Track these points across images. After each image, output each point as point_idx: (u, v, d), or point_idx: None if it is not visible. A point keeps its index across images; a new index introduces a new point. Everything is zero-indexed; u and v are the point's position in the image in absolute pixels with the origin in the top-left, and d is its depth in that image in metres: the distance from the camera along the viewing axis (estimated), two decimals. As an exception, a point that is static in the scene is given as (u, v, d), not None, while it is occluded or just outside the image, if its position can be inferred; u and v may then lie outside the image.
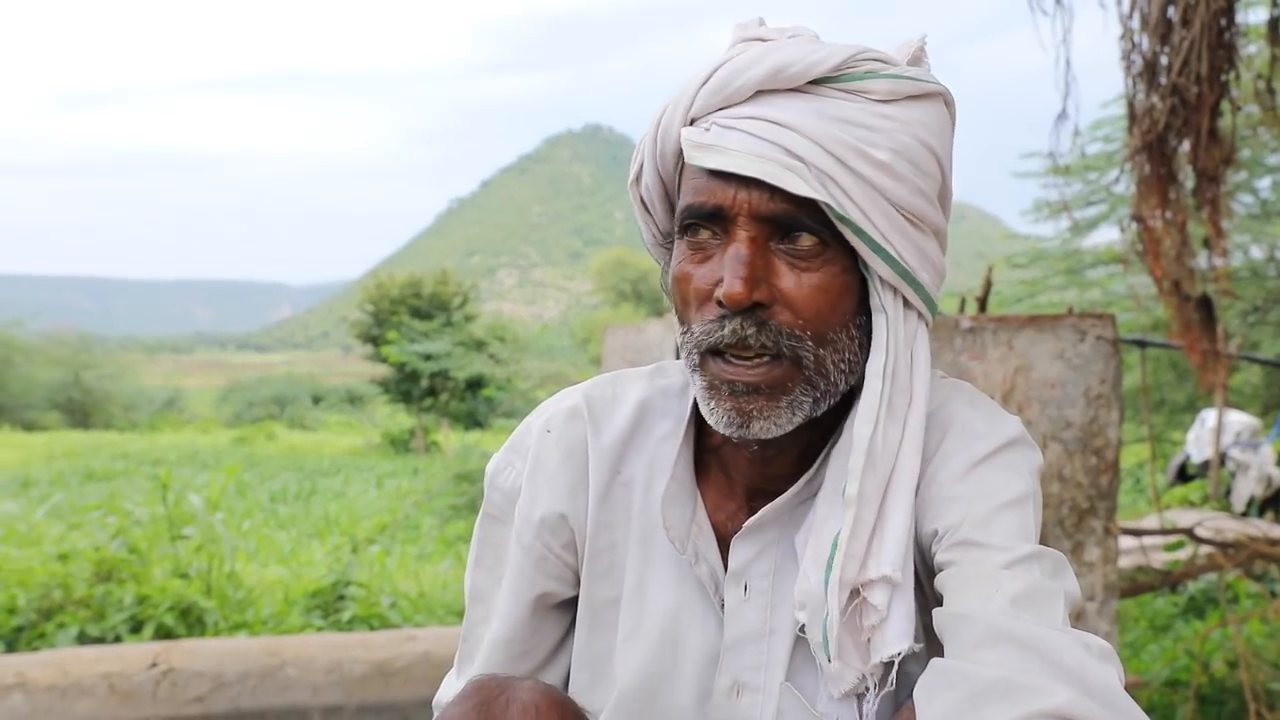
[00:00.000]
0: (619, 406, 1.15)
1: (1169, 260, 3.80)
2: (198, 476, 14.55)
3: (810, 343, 0.98)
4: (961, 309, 3.89)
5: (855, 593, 0.98)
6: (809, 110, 0.97)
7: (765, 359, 0.98)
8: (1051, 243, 12.89)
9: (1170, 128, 3.15)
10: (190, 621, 4.09)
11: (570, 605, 1.17)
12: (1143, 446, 10.66)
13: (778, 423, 1.00)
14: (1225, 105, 3.40)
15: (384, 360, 26.11)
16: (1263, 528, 5.22)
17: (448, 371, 25.68)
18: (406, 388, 26.19)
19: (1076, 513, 3.11)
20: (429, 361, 25.51)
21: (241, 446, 24.41)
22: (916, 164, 0.99)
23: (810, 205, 0.96)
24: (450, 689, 1.18)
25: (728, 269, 0.97)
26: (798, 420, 1.01)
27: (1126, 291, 10.90)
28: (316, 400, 44.78)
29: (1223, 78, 3.28)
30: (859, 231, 0.97)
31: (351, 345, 38.20)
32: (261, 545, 7.77)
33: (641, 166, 1.09)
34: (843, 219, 0.96)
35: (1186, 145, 3.28)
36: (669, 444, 1.12)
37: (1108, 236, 12.55)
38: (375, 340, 27.11)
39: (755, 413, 0.99)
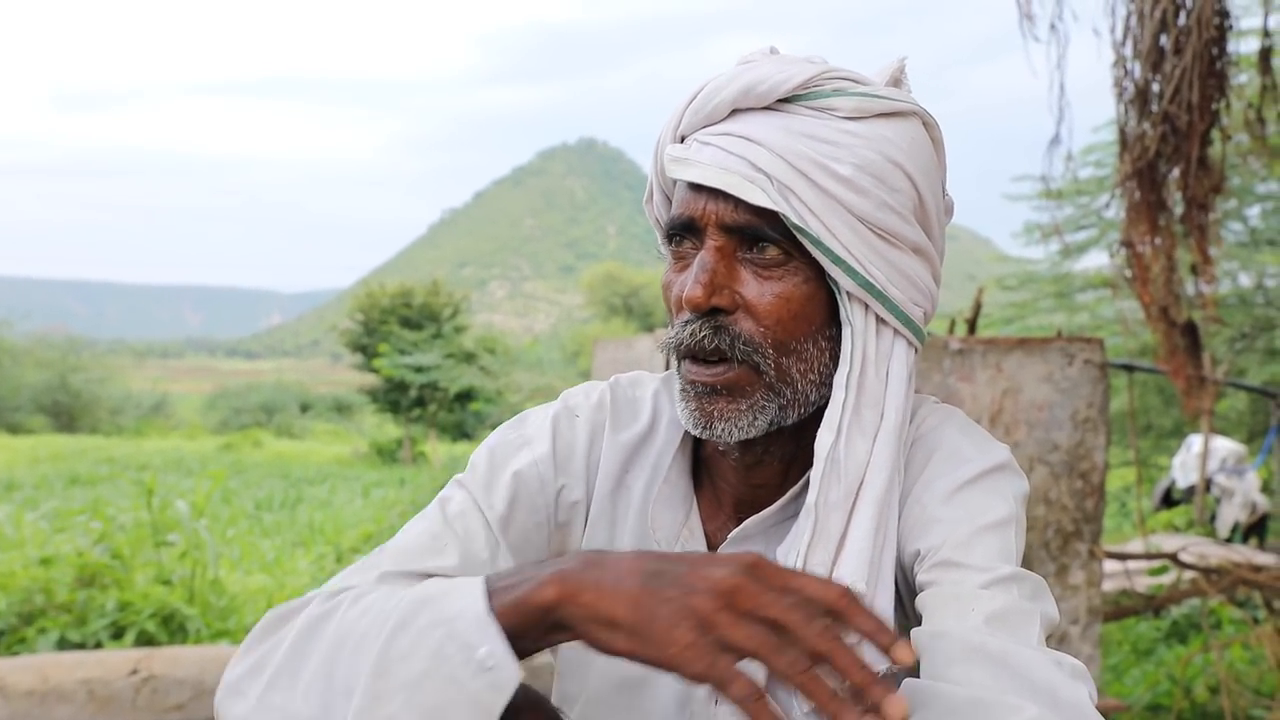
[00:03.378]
0: (640, 408, 1.18)
1: (1157, 286, 3.82)
2: (183, 483, 14.49)
3: (770, 350, 1.01)
4: (951, 330, 3.90)
5: None
6: (776, 126, 1.01)
7: (724, 362, 1.01)
8: (1041, 266, 12.95)
9: (1161, 154, 3.17)
10: (172, 629, 4.07)
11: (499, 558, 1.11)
12: (1129, 470, 10.69)
13: (739, 425, 1.02)
14: (1215, 133, 3.42)
15: (374, 370, 26.06)
16: (1246, 554, 5.23)
17: (437, 383, 25.65)
18: (395, 398, 26.15)
19: (1062, 535, 3.12)
20: (419, 374, 25.48)
21: (228, 453, 24.31)
22: (882, 179, 1.01)
23: (775, 217, 0.99)
24: (351, 577, 1.05)
25: (691, 275, 1.01)
26: (761, 424, 1.02)
27: (1115, 316, 10.95)
28: (304, 408, 44.71)
29: (1213, 106, 3.30)
30: (817, 243, 0.99)
31: (341, 354, 38.17)
32: (246, 553, 7.73)
33: (651, 185, 1.15)
34: (800, 230, 0.99)
35: (1176, 172, 3.30)
36: (669, 449, 1.13)
37: (1097, 261, 12.62)
38: (365, 349, 27.07)
39: (716, 414, 1.02)
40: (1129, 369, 6.63)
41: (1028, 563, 3.30)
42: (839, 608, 0.81)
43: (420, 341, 26.49)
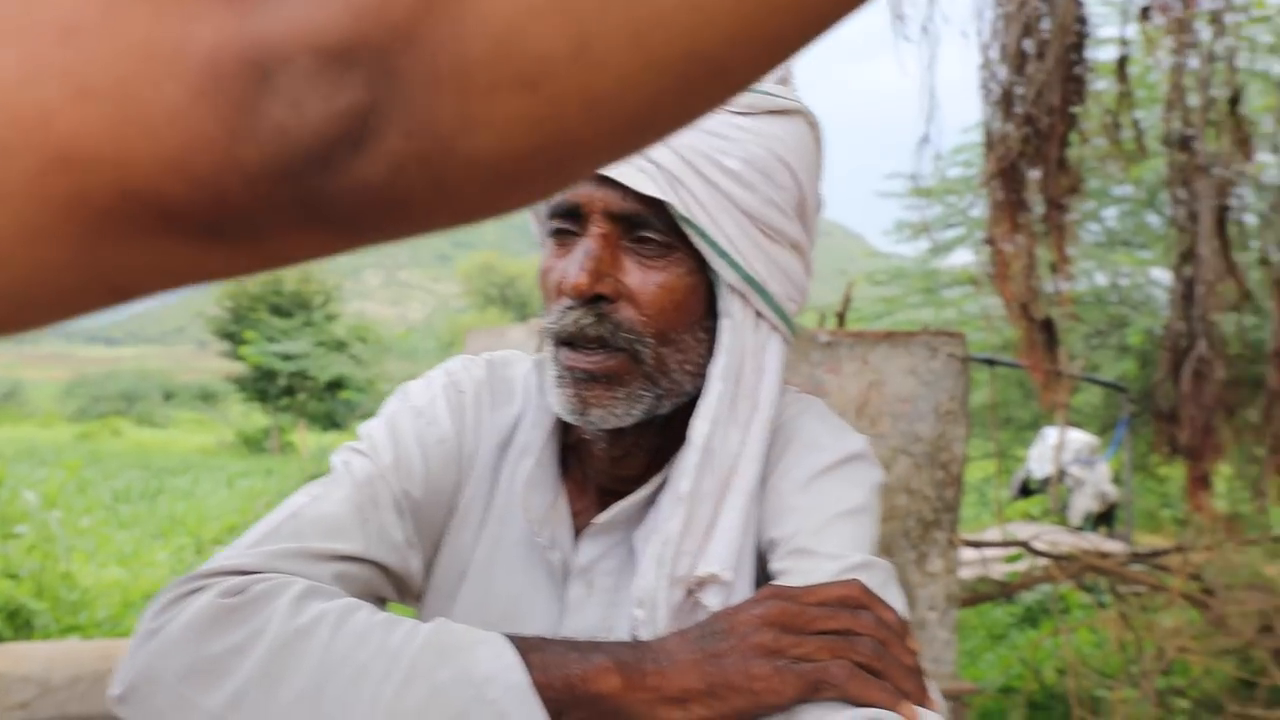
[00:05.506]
0: (513, 388, 1.17)
1: (1018, 283, 3.95)
2: (35, 473, 13.88)
3: (651, 340, 1.01)
4: (821, 323, 3.97)
5: (689, 594, 0.99)
6: None
7: (603, 350, 1.01)
8: (911, 262, 13.27)
9: (1023, 155, 3.28)
10: (18, 624, 3.89)
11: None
12: (989, 462, 11.06)
13: (615, 412, 1.02)
14: (1074, 136, 3.55)
15: (241, 359, 25.39)
16: (1095, 542, 5.45)
17: (306, 371, 25.11)
18: (263, 386, 25.52)
19: (922, 524, 3.20)
20: (288, 362, 24.91)
21: (85, 443, 23.41)
22: (769, 175, 1.02)
23: (661, 206, 0.99)
24: (242, 556, 0.96)
25: (574, 261, 1.00)
26: (637, 413, 1.02)
27: (980, 312, 11.29)
28: (168, 397, 43.32)
29: (1072, 110, 3.42)
30: (703, 234, 1.00)
31: (207, 341, 37.05)
32: (101, 545, 7.44)
33: None
34: (686, 220, 0.99)
35: (1038, 173, 3.41)
36: (538, 431, 1.13)
37: (964, 258, 12.98)
38: (233, 337, 26.35)
39: (593, 401, 1.01)
40: (991, 363, 6.85)
41: (889, 551, 3.39)
42: (863, 602, 0.89)
43: (290, 329, 25.90)
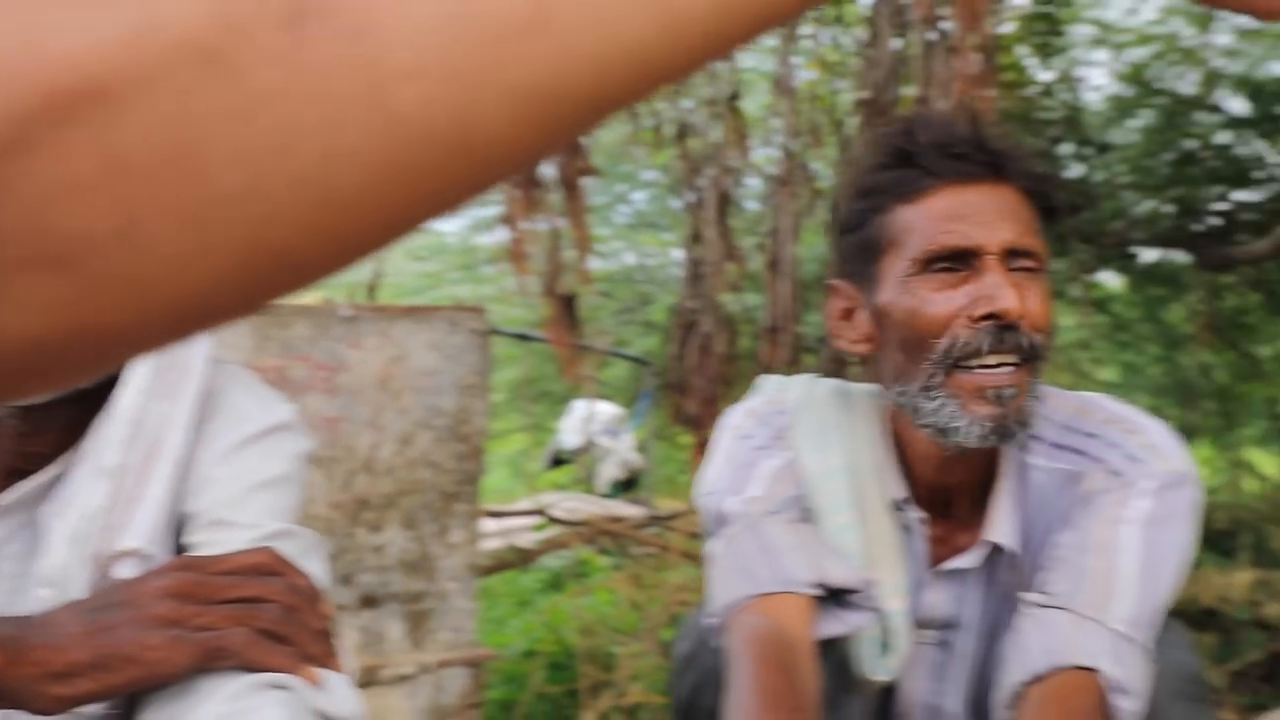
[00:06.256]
0: None
1: (543, 261, 4.09)
2: None
3: None
4: (351, 298, 3.89)
5: (106, 570, 0.94)
6: None
7: None
8: (453, 238, 13.37)
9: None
10: None
11: None
12: (525, 435, 11.42)
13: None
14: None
15: None
16: (617, 508, 5.79)
17: None
18: None
19: (444, 497, 3.22)
20: None
21: None
22: None
23: None
24: None
25: None
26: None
27: (518, 288, 11.59)
28: None
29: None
30: None
31: None
32: None
33: None
34: None
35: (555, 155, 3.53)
36: None
37: (504, 236, 13.26)
38: None
39: None
40: (524, 338, 7.05)
41: (413, 524, 3.39)
42: (274, 568, 0.88)
43: None
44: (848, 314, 1.31)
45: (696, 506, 1.42)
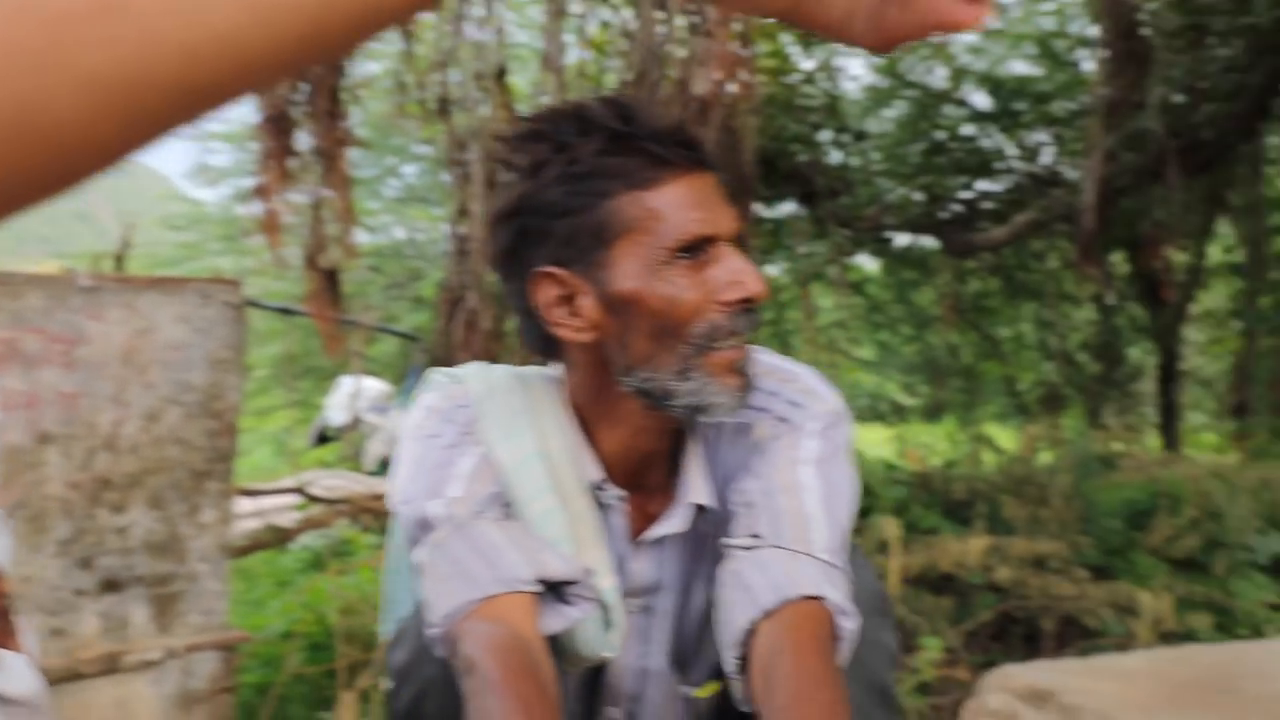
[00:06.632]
0: None
1: (309, 234, 3.98)
2: None
3: None
4: (97, 267, 3.68)
5: None
6: None
7: None
8: (215, 208, 12.81)
9: (293, 104, 3.28)
10: None
11: None
12: (289, 412, 11.08)
13: None
14: (344, 93, 3.63)
15: None
16: (380, 485, 5.71)
17: None
18: None
19: (194, 475, 3.11)
20: None
21: None
22: None
23: None
24: None
25: None
26: None
27: (280, 261, 11.21)
28: None
29: (341, 63, 3.49)
30: None
31: None
32: None
33: None
34: None
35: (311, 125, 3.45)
36: None
37: (260, 207, 12.78)
38: None
39: None
40: (285, 312, 6.84)
41: (160, 504, 3.26)
42: None
43: None
44: (565, 301, 1.27)
45: (394, 515, 1.36)
